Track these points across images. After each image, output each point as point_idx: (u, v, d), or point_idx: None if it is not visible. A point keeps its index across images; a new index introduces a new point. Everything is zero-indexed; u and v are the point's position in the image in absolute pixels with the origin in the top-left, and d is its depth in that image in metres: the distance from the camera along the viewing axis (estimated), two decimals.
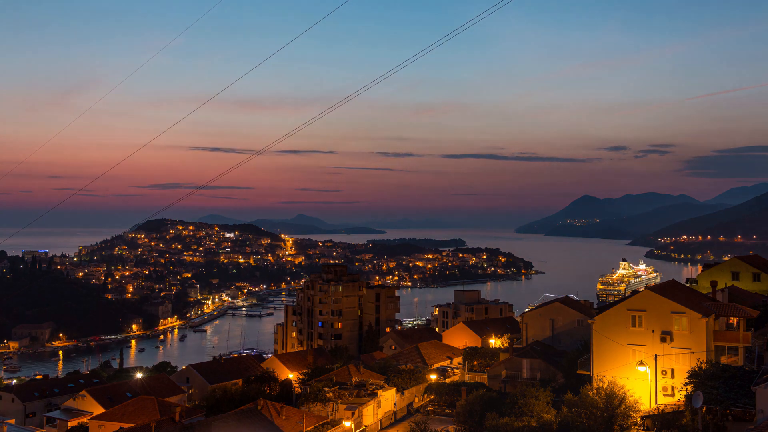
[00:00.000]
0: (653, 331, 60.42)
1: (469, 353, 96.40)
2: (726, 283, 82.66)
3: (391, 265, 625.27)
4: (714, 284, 73.16)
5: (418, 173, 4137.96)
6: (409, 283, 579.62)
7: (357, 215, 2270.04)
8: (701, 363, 55.75)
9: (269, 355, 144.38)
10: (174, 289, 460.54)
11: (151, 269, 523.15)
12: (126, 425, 63.89)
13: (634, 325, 61.49)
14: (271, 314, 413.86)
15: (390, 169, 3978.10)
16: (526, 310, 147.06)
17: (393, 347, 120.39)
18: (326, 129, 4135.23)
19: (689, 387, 53.05)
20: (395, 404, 77.43)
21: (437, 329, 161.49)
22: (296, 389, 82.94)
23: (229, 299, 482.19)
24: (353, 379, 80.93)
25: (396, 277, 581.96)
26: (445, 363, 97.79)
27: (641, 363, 59.93)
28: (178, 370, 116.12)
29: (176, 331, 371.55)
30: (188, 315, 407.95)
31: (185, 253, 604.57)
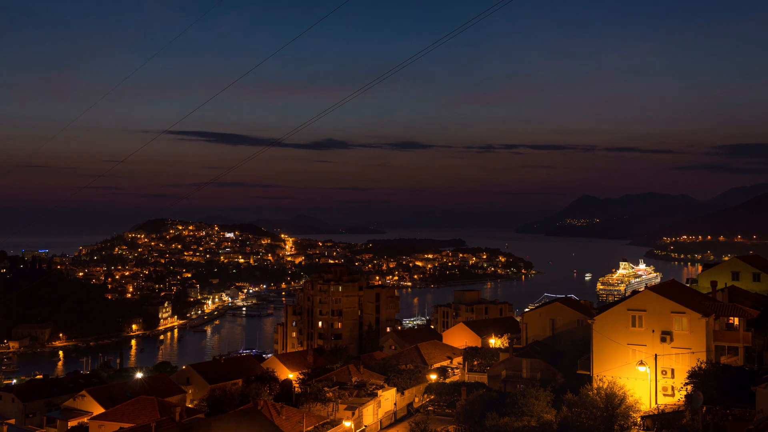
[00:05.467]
0: (653, 331, 60.45)
1: (469, 353, 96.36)
2: (726, 283, 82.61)
3: (391, 265, 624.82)
4: (714, 284, 73.25)
5: (418, 171, 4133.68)
6: (409, 283, 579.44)
7: (357, 215, 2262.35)
8: (701, 363, 55.80)
9: (269, 355, 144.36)
10: (174, 289, 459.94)
11: (151, 269, 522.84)
12: (126, 425, 63.90)
13: (634, 325, 61.52)
14: (271, 314, 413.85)
15: (392, 166, 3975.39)
16: (526, 310, 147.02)
17: (393, 347, 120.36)
18: (326, 125, 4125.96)
19: (689, 387, 53.12)
20: (395, 404, 77.43)
21: (434, 327, 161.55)
22: (296, 389, 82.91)
23: (229, 299, 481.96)
24: (353, 379, 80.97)
25: (396, 277, 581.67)
26: (445, 363, 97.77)
27: (641, 363, 59.95)
28: (178, 370, 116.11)
29: (176, 331, 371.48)
30: (188, 315, 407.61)
31: (185, 253, 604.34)
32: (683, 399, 53.83)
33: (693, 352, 58.30)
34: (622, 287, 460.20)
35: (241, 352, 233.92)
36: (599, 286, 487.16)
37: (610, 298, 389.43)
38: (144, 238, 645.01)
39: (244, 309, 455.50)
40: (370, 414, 71.94)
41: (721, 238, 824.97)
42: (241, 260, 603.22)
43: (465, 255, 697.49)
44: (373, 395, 74.50)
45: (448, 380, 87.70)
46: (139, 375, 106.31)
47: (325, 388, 73.16)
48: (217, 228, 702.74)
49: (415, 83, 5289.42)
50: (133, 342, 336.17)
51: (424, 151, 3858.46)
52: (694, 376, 54.10)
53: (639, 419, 55.42)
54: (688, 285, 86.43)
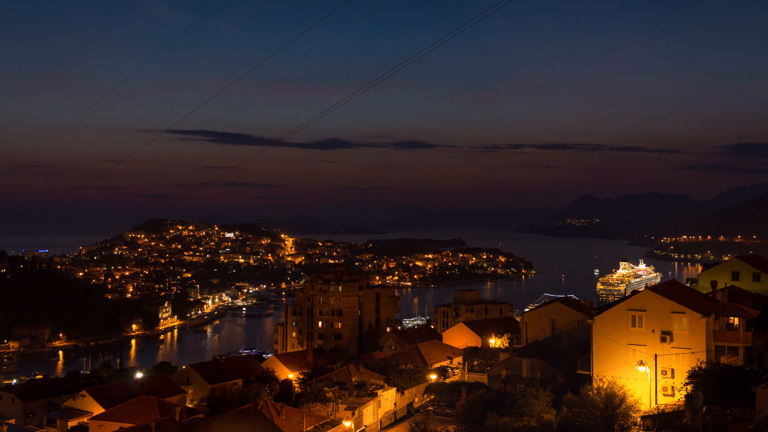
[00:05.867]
0: (653, 331, 60.45)
1: (469, 353, 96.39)
2: (726, 283, 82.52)
3: (391, 265, 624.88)
4: (714, 284, 73.19)
5: (420, 170, 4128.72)
6: (409, 283, 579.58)
7: (357, 215, 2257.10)
8: (701, 363, 55.80)
9: (269, 355, 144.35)
10: (174, 289, 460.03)
11: (151, 269, 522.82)
12: (126, 425, 63.91)
13: (634, 325, 61.52)
14: (271, 314, 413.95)
15: (394, 166, 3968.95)
16: (526, 310, 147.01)
17: (393, 347, 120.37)
18: (331, 124, 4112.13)
19: (689, 387, 53.13)
20: (395, 404, 77.44)
21: (434, 328, 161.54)
22: (296, 389, 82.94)
23: (229, 299, 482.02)
24: (353, 379, 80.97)
25: (396, 277, 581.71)
26: (445, 363, 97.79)
27: (641, 363, 59.95)
28: (178, 370, 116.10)
29: (176, 331, 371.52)
30: (188, 315, 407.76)
31: (185, 253, 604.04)
32: (683, 399, 53.83)
33: (693, 352, 58.29)
34: (622, 287, 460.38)
35: (241, 352, 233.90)
36: (599, 286, 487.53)
37: (610, 298, 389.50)
38: (144, 238, 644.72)
39: (244, 309, 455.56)
40: (370, 414, 71.95)
41: (721, 238, 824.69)
42: (241, 260, 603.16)
43: (465, 255, 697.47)
44: (373, 395, 74.51)
45: (448, 380, 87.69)
46: (139, 375, 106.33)
47: (325, 388, 73.17)
48: (217, 228, 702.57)
49: (421, 82, 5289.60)
50: (133, 342, 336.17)
51: (427, 150, 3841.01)
52: (694, 376, 54.09)
53: (639, 419, 55.43)
54: (688, 285, 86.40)
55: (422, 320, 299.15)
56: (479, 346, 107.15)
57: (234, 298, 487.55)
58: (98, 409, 75.00)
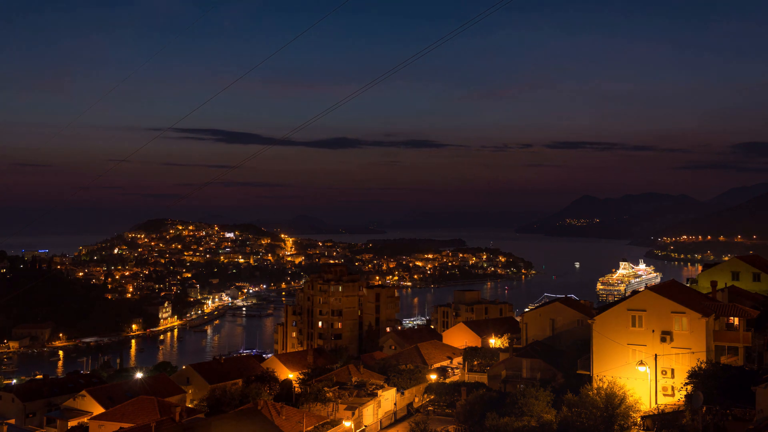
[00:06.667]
0: (653, 331, 60.46)
1: (469, 353, 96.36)
2: (726, 283, 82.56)
3: (391, 265, 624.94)
4: (714, 284, 73.22)
5: (422, 170, 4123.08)
6: (409, 283, 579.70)
7: (357, 215, 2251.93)
8: (701, 363, 55.83)
9: (269, 355, 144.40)
10: (174, 289, 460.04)
11: (151, 269, 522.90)
12: (126, 425, 63.94)
13: (634, 325, 61.53)
14: (271, 314, 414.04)
15: (396, 165, 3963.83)
16: (526, 310, 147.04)
17: (393, 347, 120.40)
18: (338, 123, 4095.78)
19: (689, 387, 53.16)
20: (395, 404, 77.45)
21: (434, 328, 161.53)
22: (296, 389, 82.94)
23: (229, 299, 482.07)
24: (353, 379, 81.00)
25: (396, 277, 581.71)
26: (445, 363, 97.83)
27: (641, 363, 59.96)
28: (178, 370, 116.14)
29: (176, 331, 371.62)
30: (188, 315, 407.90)
31: (185, 253, 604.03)
32: (683, 399, 53.85)
33: (693, 352, 58.30)
34: (622, 287, 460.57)
35: (241, 352, 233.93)
36: (599, 286, 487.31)
37: (610, 298, 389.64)
38: (144, 238, 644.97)
39: (244, 309, 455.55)
40: (370, 414, 71.97)
41: (721, 238, 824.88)
42: (241, 260, 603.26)
43: (465, 255, 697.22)
44: (373, 395, 74.54)
45: (448, 380, 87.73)
46: (139, 375, 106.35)
47: (325, 388, 73.22)
48: (217, 228, 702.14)
49: (428, 81, 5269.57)
50: (133, 342, 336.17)
51: (434, 150, 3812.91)
52: (694, 376, 54.11)
53: (639, 419, 55.45)
54: (688, 285, 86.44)
55: (422, 320, 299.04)
56: (479, 346, 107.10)
57: (234, 298, 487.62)
58: (98, 409, 75.06)
